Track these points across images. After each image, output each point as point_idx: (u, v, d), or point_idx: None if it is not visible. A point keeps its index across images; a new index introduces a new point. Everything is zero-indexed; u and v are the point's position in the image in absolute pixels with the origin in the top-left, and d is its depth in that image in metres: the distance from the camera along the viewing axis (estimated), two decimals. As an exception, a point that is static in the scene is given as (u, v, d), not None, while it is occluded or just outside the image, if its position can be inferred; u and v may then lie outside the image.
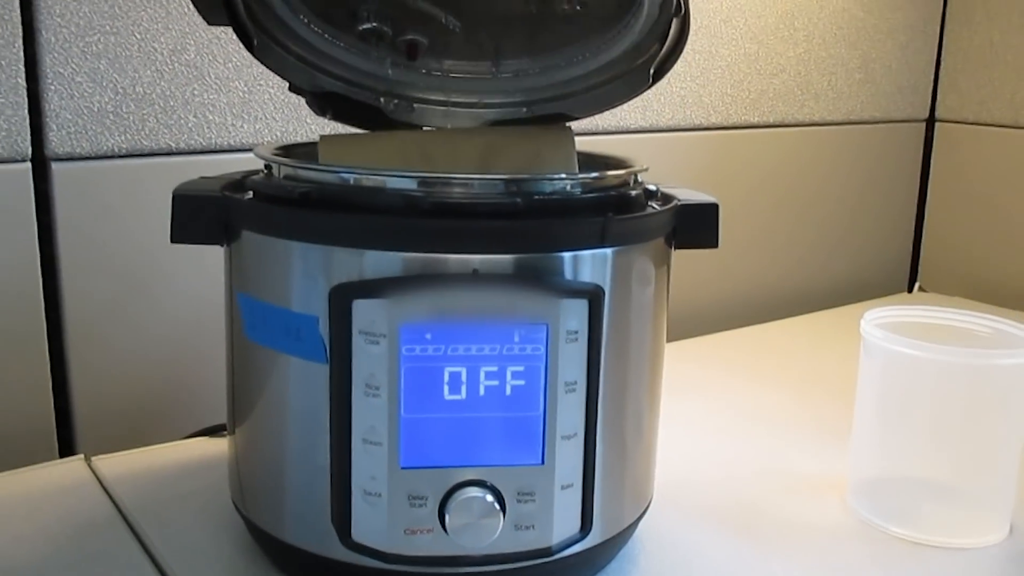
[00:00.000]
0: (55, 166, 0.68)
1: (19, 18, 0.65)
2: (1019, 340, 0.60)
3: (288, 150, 0.59)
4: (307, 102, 0.60)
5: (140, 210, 0.72)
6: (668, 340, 0.55)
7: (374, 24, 0.57)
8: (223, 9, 0.53)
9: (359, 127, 0.61)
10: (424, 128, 0.59)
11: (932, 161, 1.30)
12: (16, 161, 0.67)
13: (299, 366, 0.48)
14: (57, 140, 0.68)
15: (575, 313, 0.46)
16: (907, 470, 0.62)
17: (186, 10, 0.71)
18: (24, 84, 0.66)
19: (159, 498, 0.62)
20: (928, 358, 0.57)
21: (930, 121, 1.29)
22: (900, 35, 1.22)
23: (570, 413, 0.47)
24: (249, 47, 0.54)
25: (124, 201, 0.71)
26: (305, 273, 0.47)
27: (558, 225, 0.46)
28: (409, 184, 0.46)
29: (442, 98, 0.61)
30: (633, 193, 0.50)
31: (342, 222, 0.45)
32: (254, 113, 0.75)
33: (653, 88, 0.56)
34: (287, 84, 0.59)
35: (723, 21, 1.04)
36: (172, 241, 0.51)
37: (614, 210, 0.49)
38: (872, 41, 1.19)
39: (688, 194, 0.56)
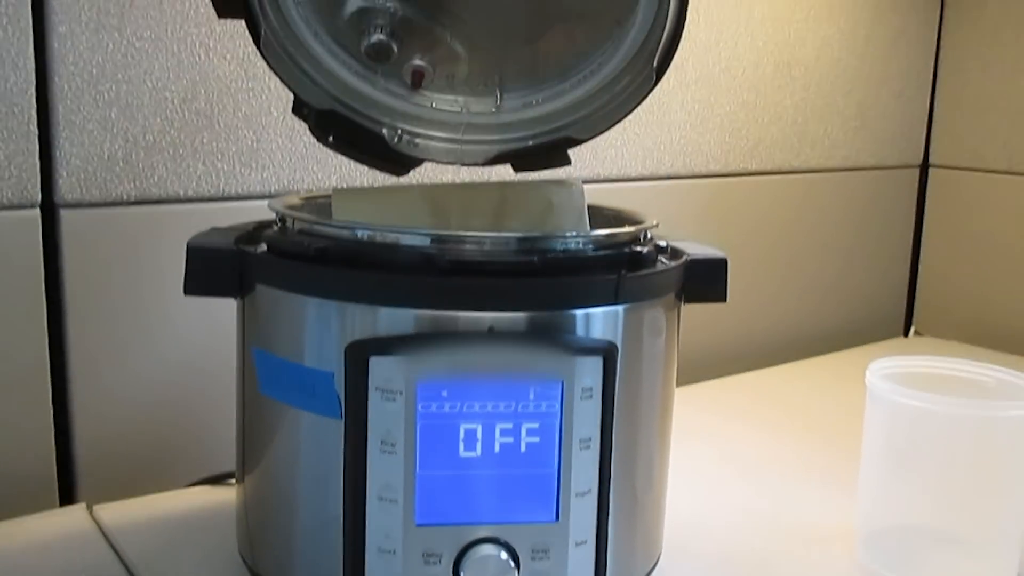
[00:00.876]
0: (64, 212, 0.68)
1: (33, 66, 0.66)
2: (1022, 394, 0.61)
3: (301, 202, 0.59)
4: (309, 127, 0.60)
5: (148, 257, 0.72)
6: (672, 389, 0.55)
7: (381, 37, 0.57)
8: (240, 1, 0.53)
9: (359, 158, 0.61)
10: (428, 163, 0.59)
11: (926, 206, 1.31)
12: (25, 207, 0.67)
13: (313, 421, 0.48)
14: (67, 187, 0.68)
15: (590, 370, 0.46)
16: (914, 520, 0.63)
17: (197, 58, 0.72)
18: (36, 131, 0.66)
19: (162, 548, 0.62)
20: (934, 410, 0.58)
21: (924, 167, 1.31)
22: (894, 83, 1.24)
23: (584, 470, 0.47)
24: (256, 40, 0.54)
25: (132, 248, 0.71)
26: (320, 329, 0.47)
27: (572, 283, 0.46)
28: (424, 241, 0.46)
29: (446, 134, 0.61)
30: (644, 250, 0.51)
31: (359, 279, 0.46)
32: (262, 162, 0.76)
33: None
34: (291, 106, 0.59)
35: (722, 71, 1.05)
36: (186, 293, 0.51)
37: (626, 267, 0.49)
38: (867, 89, 1.21)
39: (696, 248, 0.57)
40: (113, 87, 0.69)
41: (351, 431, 0.46)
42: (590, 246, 0.48)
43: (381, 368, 0.45)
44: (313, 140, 0.76)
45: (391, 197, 0.57)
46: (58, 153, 0.67)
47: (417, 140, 0.59)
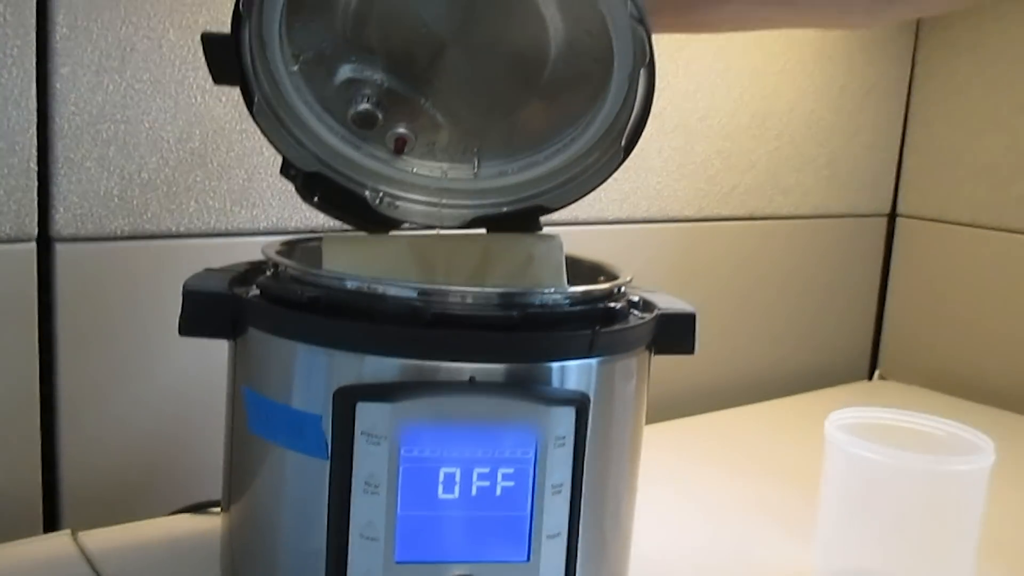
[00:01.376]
0: (59, 247, 0.70)
1: (35, 105, 0.68)
2: (972, 445, 0.64)
3: (292, 247, 0.62)
4: (296, 187, 0.63)
5: (139, 291, 0.74)
6: (639, 428, 0.58)
7: (367, 106, 0.60)
8: (235, 70, 0.56)
9: (342, 218, 0.64)
10: (408, 225, 0.63)
11: (893, 254, 1.36)
12: (22, 241, 0.69)
13: (300, 460, 0.50)
14: (63, 222, 0.70)
15: (563, 420, 0.49)
16: (869, 565, 0.66)
17: (194, 100, 0.75)
18: (35, 168, 0.69)
19: (149, 573, 0.64)
20: (887, 463, 0.61)
21: (892, 216, 1.35)
22: (865, 135, 1.29)
23: (555, 513, 0.50)
24: (249, 105, 0.57)
25: (123, 282, 0.73)
26: (309, 373, 0.50)
27: (549, 338, 0.49)
28: (410, 294, 0.49)
29: (425, 198, 0.64)
30: (618, 305, 0.54)
31: (347, 328, 0.48)
32: (252, 200, 0.79)
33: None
34: (280, 166, 0.62)
35: (699, 120, 1.09)
36: (181, 334, 0.54)
37: (600, 322, 0.52)
38: (839, 140, 1.25)
39: (667, 301, 0.60)
40: (112, 127, 0.71)
41: (336, 472, 0.48)
42: (566, 301, 0.51)
43: (367, 413, 0.47)
44: (303, 181, 0.78)
45: (379, 247, 0.60)
46: (56, 189, 0.70)
47: (398, 203, 0.62)
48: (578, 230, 1.01)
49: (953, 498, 0.62)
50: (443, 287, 0.50)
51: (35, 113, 0.68)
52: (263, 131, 0.60)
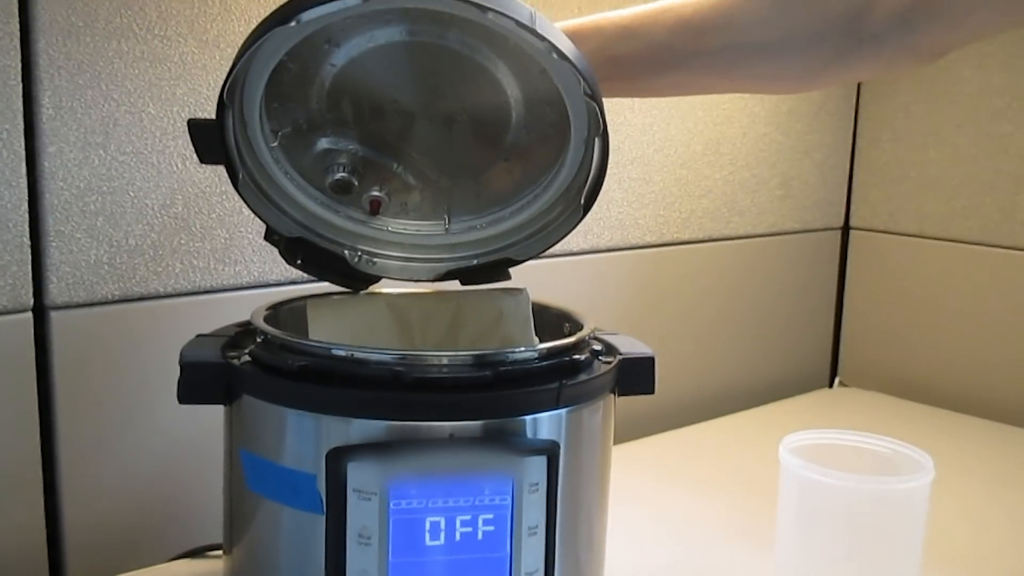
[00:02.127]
0: (53, 314, 0.74)
1: (26, 183, 0.72)
2: (915, 464, 0.70)
3: (277, 309, 0.66)
4: (280, 251, 0.68)
5: (130, 350, 0.78)
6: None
7: (344, 175, 0.65)
8: (220, 150, 0.61)
9: (324, 277, 0.68)
10: (386, 280, 0.67)
11: (848, 265, 1.42)
12: (19, 311, 0.73)
13: (296, 515, 0.55)
14: (56, 291, 0.74)
15: (536, 467, 0.54)
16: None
17: (175, 168, 0.79)
18: (28, 242, 0.73)
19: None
20: (836, 484, 0.67)
21: (845, 229, 1.42)
22: (816, 154, 1.35)
23: (532, 553, 0.55)
24: (234, 182, 0.62)
25: (115, 342, 0.77)
26: (301, 435, 0.54)
27: (520, 395, 0.54)
28: (392, 360, 0.54)
29: (400, 254, 0.69)
30: (582, 357, 0.59)
31: (336, 395, 0.53)
32: (234, 257, 0.83)
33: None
34: (263, 232, 0.66)
35: (656, 151, 1.15)
36: (180, 402, 0.58)
37: (567, 374, 0.57)
38: (791, 161, 1.31)
39: (628, 345, 0.65)
40: (99, 198, 0.75)
41: (331, 526, 0.53)
42: (535, 358, 0.56)
43: (358, 472, 0.52)
44: (282, 238, 0.83)
45: (359, 307, 0.64)
46: (49, 261, 0.74)
47: (375, 259, 0.67)
48: (545, 263, 1.06)
49: (897, 513, 0.67)
50: (421, 353, 0.54)
51: (26, 191, 0.72)
52: (247, 204, 0.64)
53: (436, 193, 0.68)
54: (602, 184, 0.63)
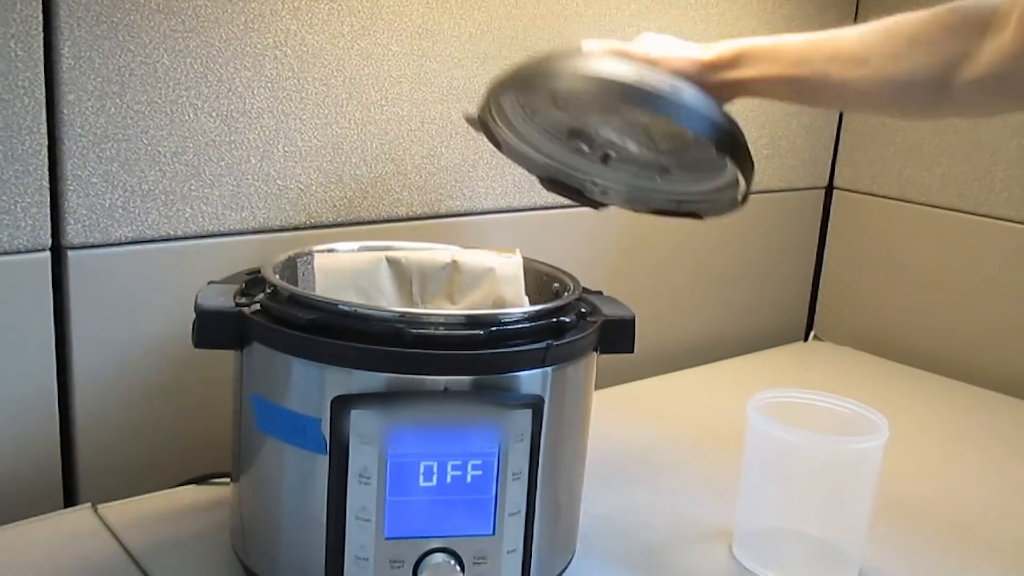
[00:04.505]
0: (71, 254, 0.79)
1: (46, 130, 0.75)
2: (871, 424, 0.76)
3: (286, 260, 0.71)
4: (539, 182, 0.84)
5: (142, 288, 0.82)
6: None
7: (580, 143, 0.79)
8: (487, 126, 0.77)
9: (571, 199, 0.84)
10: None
11: (829, 224, 1.47)
12: (37, 251, 0.77)
13: (302, 455, 0.60)
14: (73, 232, 0.78)
15: (521, 419, 0.60)
16: (782, 524, 0.78)
17: (187, 117, 0.82)
18: (48, 186, 0.76)
19: (165, 542, 0.74)
20: (797, 442, 0.73)
21: (828, 189, 1.46)
22: (803, 116, 1.38)
23: (515, 495, 0.60)
24: (498, 147, 0.80)
25: (128, 281, 0.82)
26: (308, 383, 0.59)
27: (509, 355, 0.59)
28: (394, 317, 0.59)
29: (622, 190, 0.83)
30: (567, 319, 0.64)
31: (342, 348, 0.58)
32: (241, 203, 0.87)
33: None
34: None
35: (648, 110, 1.18)
36: (196, 346, 0.63)
37: (554, 335, 0.62)
38: (779, 123, 1.35)
39: (611, 305, 0.70)
40: (114, 145, 0.79)
41: (334, 467, 0.58)
42: (524, 318, 0.61)
43: (360, 419, 0.57)
44: (286, 183, 0.87)
45: (362, 262, 0.69)
46: (67, 204, 0.77)
47: (607, 191, 0.82)
48: (539, 214, 1.10)
49: (849, 469, 0.73)
50: (420, 312, 0.59)
51: (46, 137, 0.75)
52: (513, 159, 0.82)
53: (650, 160, 0.79)
54: (752, 181, 0.75)
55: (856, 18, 1.40)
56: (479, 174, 1.03)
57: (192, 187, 0.84)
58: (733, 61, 0.75)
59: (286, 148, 0.88)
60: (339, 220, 0.93)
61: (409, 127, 0.96)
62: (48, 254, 0.78)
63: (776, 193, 1.39)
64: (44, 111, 0.75)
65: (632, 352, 0.69)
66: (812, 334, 1.47)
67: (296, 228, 0.91)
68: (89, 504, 0.79)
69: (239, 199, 0.87)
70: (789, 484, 0.76)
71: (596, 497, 0.82)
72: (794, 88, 0.76)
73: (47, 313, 0.79)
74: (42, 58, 0.74)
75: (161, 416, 0.86)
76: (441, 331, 0.58)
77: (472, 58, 0.99)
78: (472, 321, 0.59)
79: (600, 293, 0.75)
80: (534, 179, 0.85)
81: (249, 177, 0.87)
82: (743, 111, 1.30)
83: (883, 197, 1.40)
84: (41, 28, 0.73)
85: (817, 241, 1.47)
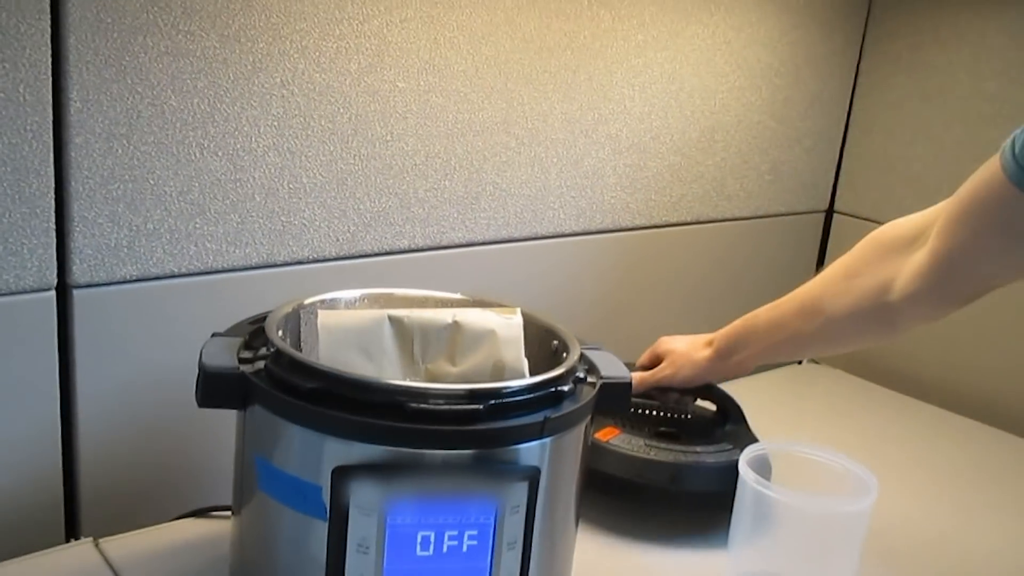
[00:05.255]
0: (76, 292, 0.79)
1: (53, 172, 0.76)
2: (861, 484, 0.77)
3: (291, 312, 0.71)
4: None
5: (145, 324, 0.83)
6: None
7: None
8: None
9: None
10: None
11: (828, 248, 1.48)
12: (43, 290, 0.78)
13: (302, 518, 0.61)
14: (79, 272, 0.79)
15: (518, 491, 0.61)
16: (771, 570, 0.79)
17: (193, 157, 0.83)
18: (54, 227, 0.77)
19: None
20: (787, 502, 0.74)
21: (829, 212, 1.47)
22: (807, 140, 1.39)
23: (509, 565, 0.62)
24: None
25: (131, 317, 0.83)
26: (310, 450, 0.60)
27: (507, 430, 0.60)
28: (396, 392, 0.59)
29: None
30: (566, 388, 0.65)
31: (344, 421, 0.59)
32: (245, 240, 0.87)
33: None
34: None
35: (652, 138, 1.18)
36: (200, 406, 0.64)
37: (552, 404, 0.63)
38: (782, 147, 1.35)
39: (609, 364, 0.71)
40: (121, 186, 0.79)
41: (334, 535, 0.59)
42: (523, 392, 0.62)
43: (361, 490, 0.58)
44: (290, 219, 0.88)
45: (365, 321, 0.70)
46: (72, 244, 0.78)
47: None
48: (543, 243, 1.11)
49: (840, 529, 0.75)
50: (421, 385, 0.60)
51: (53, 179, 0.76)
52: None
53: None
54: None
55: (863, 42, 1.40)
56: (482, 206, 1.04)
57: (197, 225, 0.84)
58: (731, 349, 0.93)
59: (291, 185, 0.89)
60: (342, 254, 0.94)
61: (414, 161, 0.97)
62: (53, 293, 0.78)
63: (776, 218, 1.40)
64: (52, 154, 0.75)
65: (627, 413, 0.70)
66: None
67: (299, 263, 0.92)
68: (91, 539, 0.80)
69: (243, 236, 0.87)
70: (777, 538, 0.77)
71: (587, 555, 0.82)
72: (780, 351, 0.91)
73: (52, 350, 0.79)
74: (51, 102, 0.74)
75: (163, 449, 0.87)
76: (442, 404, 0.59)
77: (478, 92, 0.99)
78: (472, 395, 0.60)
79: (598, 348, 0.76)
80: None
81: (253, 214, 0.87)
82: (746, 137, 1.31)
83: (882, 223, 1.41)
84: (50, 73, 0.74)
85: (816, 264, 1.48)
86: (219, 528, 0.83)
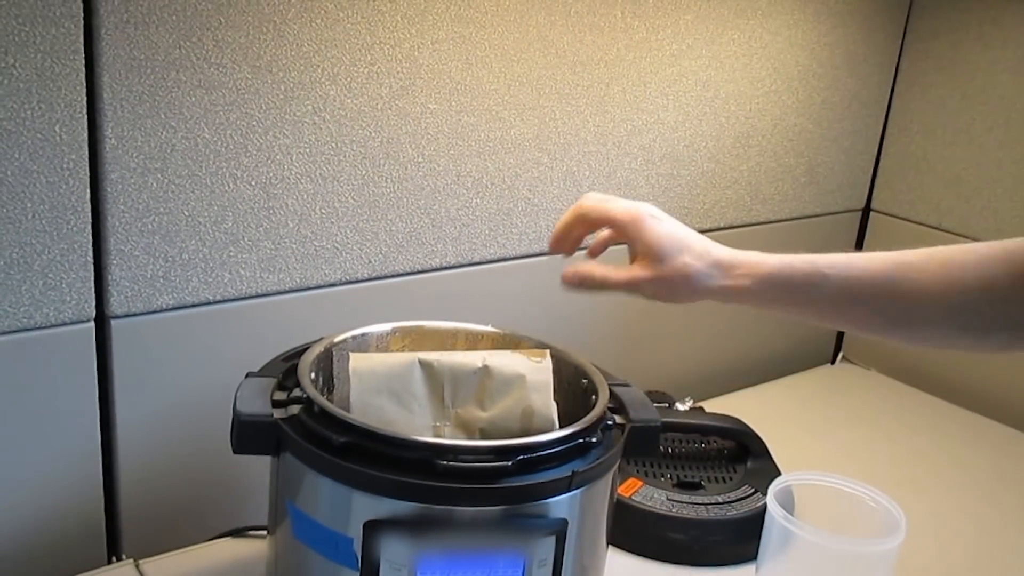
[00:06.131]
0: (114, 323, 0.81)
1: (90, 208, 0.77)
2: (890, 520, 0.77)
3: (324, 352, 0.72)
4: None
5: (182, 351, 0.85)
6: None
7: None
8: None
9: None
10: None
11: (864, 246, 1.46)
12: (82, 322, 0.79)
13: (334, 567, 0.63)
14: (116, 303, 0.80)
15: (546, 546, 0.62)
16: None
17: (227, 187, 0.83)
18: (92, 261, 0.78)
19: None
20: (813, 540, 0.74)
21: (865, 211, 1.45)
22: (844, 141, 1.36)
23: (538, 616, 0.63)
24: None
25: (169, 344, 0.84)
26: (341, 502, 0.62)
27: (535, 486, 0.61)
28: (427, 447, 0.60)
29: None
30: (594, 439, 0.65)
31: (375, 478, 0.60)
32: (279, 265, 0.88)
33: None
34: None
35: (686, 146, 1.17)
36: (235, 452, 0.65)
37: (580, 455, 0.64)
38: (818, 149, 1.33)
39: (638, 405, 0.72)
40: (156, 219, 0.80)
41: (365, 587, 0.61)
42: (551, 445, 0.63)
43: (392, 544, 0.60)
44: (322, 244, 0.89)
45: (396, 366, 0.70)
46: (110, 277, 0.79)
47: None
48: (573, 256, 1.10)
49: (867, 568, 0.75)
50: (451, 442, 0.61)
51: (90, 215, 0.77)
52: None
53: None
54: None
55: (903, 40, 1.36)
56: (514, 222, 1.04)
57: (231, 253, 0.85)
58: (766, 295, 0.71)
59: (323, 210, 0.89)
60: (373, 275, 0.95)
61: (445, 181, 0.97)
62: (92, 324, 0.80)
63: (812, 219, 1.38)
64: (88, 190, 0.77)
65: (657, 456, 0.70)
66: (841, 355, 1.48)
67: (331, 285, 0.93)
68: (131, 560, 0.83)
69: (276, 261, 0.88)
70: (805, 568, 0.77)
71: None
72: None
73: (91, 378, 0.81)
74: (86, 140, 0.75)
75: (201, 470, 0.89)
76: (471, 461, 0.60)
77: (510, 110, 0.99)
78: (501, 450, 0.61)
79: (627, 385, 0.76)
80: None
81: (287, 240, 0.88)
82: (782, 140, 1.29)
83: (920, 224, 1.39)
84: (85, 111, 0.75)
85: (851, 264, 1.46)
86: (256, 548, 0.85)
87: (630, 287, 0.71)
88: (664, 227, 0.71)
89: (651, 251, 0.70)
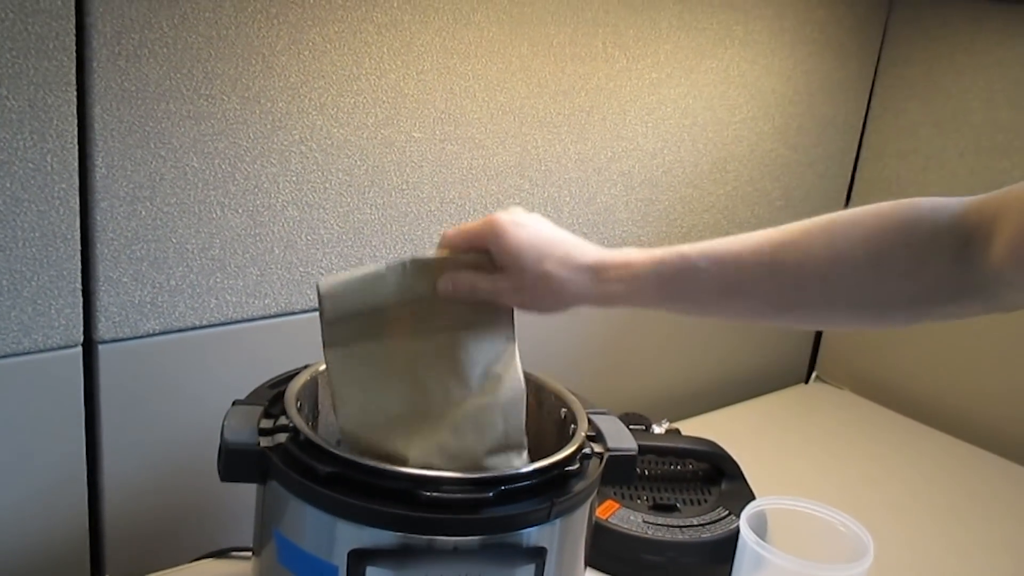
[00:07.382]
0: (101, 347, 0.82)
1: (79, 236, 0.78)
2: (859, 544, 0.80)
3: (310, 380, 0.74)
4: None
5: (168, 375, 0.86)
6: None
7: None
8: None
9: None
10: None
11: (838, 268, 1.49)
12: (70, 347, 0.80)
13: (319, 594, 0.64)
14: (104, 328, 0.82)
15: (526, 573, 0.63)
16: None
17: (214, 215, 0.85)
18: (80, 287, 0.79)
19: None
20: (783, 565, 0.77)
21: (840, 234, 1.47)
22: (819, 166, 1.40)
23: (517, 642, 0.65)
24: None
25: (155, 369, 0.86)
26: (325, 531, 0.63)
27: (515, 516, 0.63)
28: (410, 479, 0.62)
29: None
30: (574, 468, 0.67)
31: (358, 508, 0.61)
32: (264, 291, 0.90)
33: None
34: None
35: (664, 172, 1.20)
36: (222, 480, 0.67)
37: (559, 486, 0.66)
38: (794, 174, 1.36)
39: (615, 435, 0.74)
40: (144, 246, 0.82)
41: (349, 614, 0.62)
42: (531, 476, 0.65)
43: (375, 573, 0.61)
44: (308, 270, 0.90)
45: (378, 378, 0.71)
46: (98, 303, 0.81)
47: None
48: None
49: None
50: (434, 474, 0.63)
51: (79, 243, 0.78)
52: None
53: None
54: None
55: (877, 67, 1.40)
56: (495, 246, 1.05)
57: (218, 279, 0.87)
58: (637, 295, 0.68)
59: (309, 237, 0.91)
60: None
61: (428, 208, 0.99)
62: (79, 349, 0.81)
63: (787, 241, 1.40)
64: (78, 219, 0.78)
65: (633, 484, 0.72)
66: (814, 375, 1.51)
67: (315, 310, 0.94)
68: (116, 580, 0.84)
69: (262, 287, 0.90)
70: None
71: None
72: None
73: (78, 402, 0.82)
74: (77, 169, 0.77)
75: (185, 493, 0.90)
76: (453, 492, 0.62)
77: (492, 138, 1.01)
78: (481, 482, 0.63)
79: (606, 413, 0.78)
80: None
81: (272, 266, 0.90)
82: (758, 165, 1.31)
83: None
84: (76, 141, 0.76)
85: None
86: (239, 569, 0.86)
87: (496, 296, 0.69)
88: (525, 233, 0.67)
89: (509, 259, 0.67)
